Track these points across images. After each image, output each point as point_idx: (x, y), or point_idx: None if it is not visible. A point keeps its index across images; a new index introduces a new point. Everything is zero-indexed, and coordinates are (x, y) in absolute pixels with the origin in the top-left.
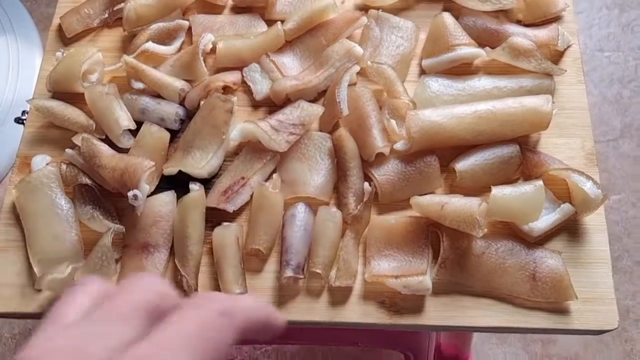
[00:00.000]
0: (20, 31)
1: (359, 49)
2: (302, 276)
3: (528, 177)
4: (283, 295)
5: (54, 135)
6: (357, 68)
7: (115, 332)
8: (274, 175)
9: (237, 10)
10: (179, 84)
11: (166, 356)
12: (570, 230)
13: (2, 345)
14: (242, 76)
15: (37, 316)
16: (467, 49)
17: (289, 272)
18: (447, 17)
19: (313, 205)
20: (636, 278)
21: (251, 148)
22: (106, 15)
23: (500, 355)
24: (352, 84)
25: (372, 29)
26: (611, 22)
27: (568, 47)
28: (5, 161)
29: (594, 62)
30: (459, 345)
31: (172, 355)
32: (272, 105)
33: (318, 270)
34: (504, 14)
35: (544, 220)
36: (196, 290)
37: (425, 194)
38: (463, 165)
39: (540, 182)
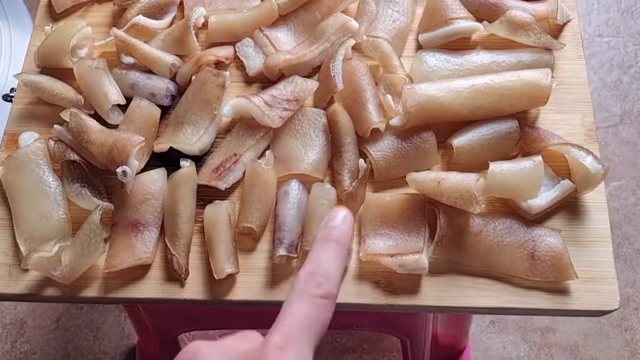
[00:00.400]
0: (13, 16)
1: (354, 23)
2: (295, 255)
3: (527, 154)
4: (276, 275)
5: (42, 111)
6: (352, 41)
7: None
8: (267, 152)
9: None
10: (170, 58)
11: (289, 352)
12: (569, 208)
13: None
14: (235, 51)
15: (24, 298)
16: (464, 23)
17: (281, 251)
18: None
19: (307, 182)
20: (636, 265)
21: (244, 124)
22: None
23: (499, 345)
24: (347, 59)
25: (367, 2)
26: (610, 7)
27: (567, 21)
28: None
29: (594, 48)
30: (457, 335)
31: (295, 349)
32: (265, 80)
33: None
34: None
35: (543, 197)
36: (187, 270)
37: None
38: (460, 141)
39: (539, 158)
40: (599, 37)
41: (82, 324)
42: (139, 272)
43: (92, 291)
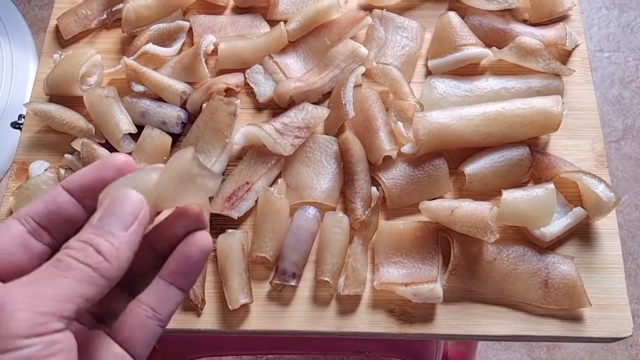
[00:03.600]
0: (14, 34)
1: (363, 50)
2: (291, 283)
3: (538, 180)
4: (290, 304)
5: (52, 139)
6: (362, 69)
7: None
8: (279, 180)
9: (238, 10)
10: (180, 86)
11: None
12: (581, 234)
13: None
14: (245, 78)
15: None
16: (474, 49)
17: (275, 279)
18: (453, 17)
19: (320, 209)
20: None
21: (255, 152)
22: (104, 16)
23: None
24: (357, 85)
25: (376, 29)
26: (611, 23)
27: (576, 46)
28: (0, 166)
29: (595, 63)
30: (465, 352)
31: None
32: (275, 107)
33: (326, 279)
34: (510, 13)
35: (556, 225)
36: (203, 300)
37: (434, 199)
38: (472, 168)
39: (551, 186)
40: (600, 52)
41: None
42: None
43: None
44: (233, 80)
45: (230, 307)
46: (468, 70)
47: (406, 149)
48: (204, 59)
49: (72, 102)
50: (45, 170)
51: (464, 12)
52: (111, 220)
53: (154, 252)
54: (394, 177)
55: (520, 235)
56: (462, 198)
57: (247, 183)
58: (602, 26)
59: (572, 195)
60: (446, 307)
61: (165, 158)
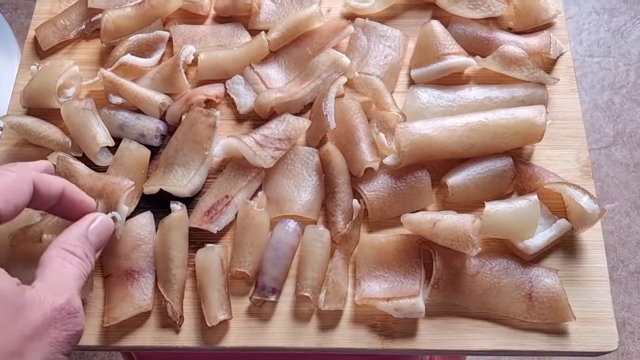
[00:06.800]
0: (0, 42)
1: (345, 59)
2: (271, 299)
3: (522, 191)
4: (269, 320)
5: (29, 153)
6: (344, 80)
7: None
8: (259, 193)
9: (219, 20)
10: (159, 97)
11: None
12: (566, 246)
13: None
14: (225, 89)
15: None
16: (457, 58)
17: (255, 295)
18: (436, 25)
19: (301, 223)
20: (631, 289)
21: (235, 164)
22: (83, 26)
23: None
24: (339, 96)
25: (359, 38)
26: (601, 27)
27: (560, 54)
28: None
29: (585, 68)
30: None
31: None
32: (256, 118)
33: (307, 294)
34: (494, 22)
35: (540, 237)
36: (181, 316)
37: (417, 211)
38: (455, 180)
39: (535, 197)
40: (590, 58)
41: (73, 357)
42: (133, 319)
43: (83, 340)
44: (213, 91)
45: (208, 323)
46: (451, 80)
47: (388, 160)
48: (183, 70)
49: (50, 114)
50: None
51: (447, 21)
52: (96, 241)
53: None
54: (375, 189)
55: (504, 248)
56: (445, 210)
57: (227, 196)
58: (592, 31)
59: (556, 207)
60: (429, 321)
61: (143, 172)
